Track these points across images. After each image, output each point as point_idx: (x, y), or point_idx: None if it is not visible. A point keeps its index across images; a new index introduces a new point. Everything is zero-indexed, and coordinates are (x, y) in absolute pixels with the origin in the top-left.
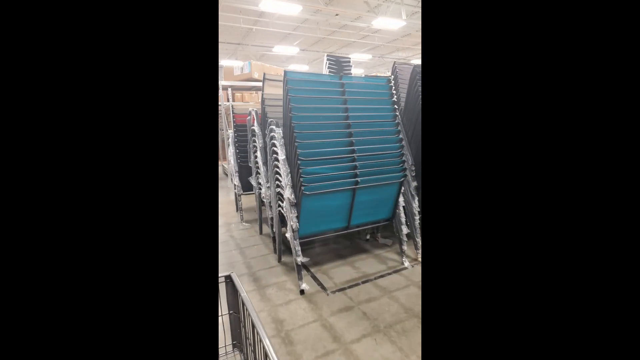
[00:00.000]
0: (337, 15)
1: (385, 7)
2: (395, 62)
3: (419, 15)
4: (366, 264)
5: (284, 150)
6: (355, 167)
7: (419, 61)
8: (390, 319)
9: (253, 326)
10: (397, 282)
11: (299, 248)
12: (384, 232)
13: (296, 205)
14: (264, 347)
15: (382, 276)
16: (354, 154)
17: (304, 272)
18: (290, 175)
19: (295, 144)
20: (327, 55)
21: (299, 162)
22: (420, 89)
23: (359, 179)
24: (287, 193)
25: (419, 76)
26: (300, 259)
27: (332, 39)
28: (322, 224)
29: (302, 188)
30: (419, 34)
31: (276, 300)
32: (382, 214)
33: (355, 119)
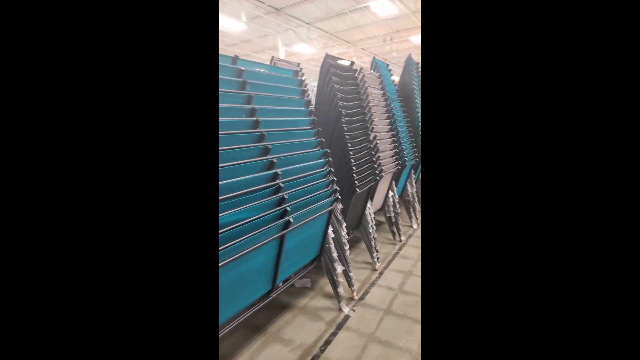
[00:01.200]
0: None
1: (223, 4)
2: (273, 57)
3: (260, 20)
4: (297, 328)
5: None
6: (283, 200)
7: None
8: None
9: None
10: (350, 343)
11: None
12: None
13: None
14: None
15: (328, 342)
16: (278, 180)
17: None
18: None
19: None
20: None
21: None
22: (335, 86)
23: (290, 218)
24: None
25: (332, 70)
26: None
27: None
28: (239, 300)
29: None
30: (259, 40)
31: None
32: (310, 254)
33: (268, 127)
